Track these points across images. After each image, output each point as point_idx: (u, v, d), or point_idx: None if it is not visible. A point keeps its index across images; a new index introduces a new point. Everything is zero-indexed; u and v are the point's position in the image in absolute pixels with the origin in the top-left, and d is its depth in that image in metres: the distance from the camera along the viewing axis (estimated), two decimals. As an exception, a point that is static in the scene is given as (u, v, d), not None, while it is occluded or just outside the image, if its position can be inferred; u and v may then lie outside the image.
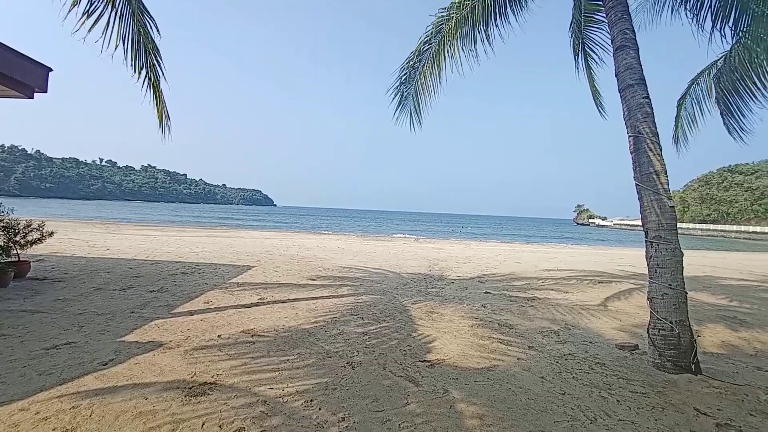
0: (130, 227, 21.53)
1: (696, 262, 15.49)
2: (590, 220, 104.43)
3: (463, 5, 5.38)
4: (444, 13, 5.55)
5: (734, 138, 6.91)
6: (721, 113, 7.06)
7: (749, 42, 5.71)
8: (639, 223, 4.24)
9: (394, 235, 27.99)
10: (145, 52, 5.05)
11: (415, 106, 5.59)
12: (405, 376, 3.20)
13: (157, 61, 5.22)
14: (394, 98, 5.67)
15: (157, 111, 5.51)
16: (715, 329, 5.10)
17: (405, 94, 5.65)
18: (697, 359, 3.51)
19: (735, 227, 65.37)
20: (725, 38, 5.40)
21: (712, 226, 69.47)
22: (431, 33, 5.59)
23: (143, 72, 4.95)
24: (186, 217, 52.11)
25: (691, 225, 72.46)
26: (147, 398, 2.66)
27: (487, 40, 5.39)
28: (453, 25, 5.40)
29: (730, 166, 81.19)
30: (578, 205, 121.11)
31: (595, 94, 7.15)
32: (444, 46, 5.38)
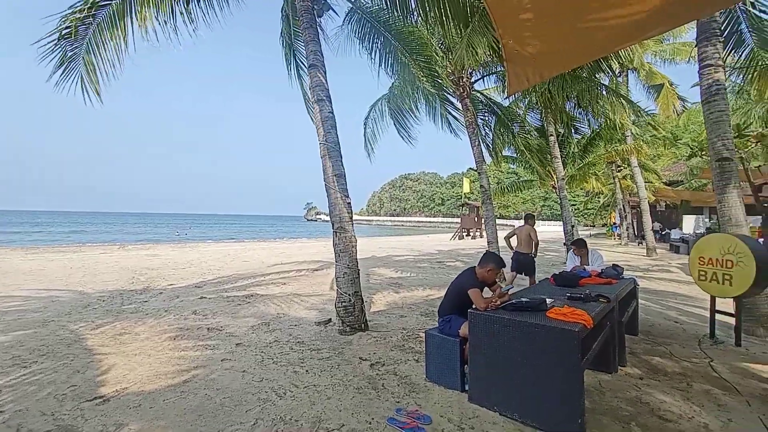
0: None
1: (384, 245, 20.60)
2: (318, 216, 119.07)
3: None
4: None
5: (406, 142, 9.63)
6: (395, 124, 9.64)
7: (401, 79, 8.07)
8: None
9: (87, 244, 21.40)
10: None
11: (88, 72, 4.35)
12: (58, 428, 2.41)
13: None
14: (50, 54, 4.18)
15: None
16: (385, 293, 6.86)
17: (70, 53, 4.29)
18: (365, 319, 4.58)
19: (407, 218, 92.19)
20: (389, 73, 7.35)
21: (396, 218, 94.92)
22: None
23: None
24: None
25: (384, 218, 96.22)
26: None
27: (189, 19, 4.92)
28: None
29: (404, 174, 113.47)
30: (308, 203, 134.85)
31: (308, 102, 7.96)
32: (131, 8, 4.48)
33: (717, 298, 4.26)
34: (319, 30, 5.38)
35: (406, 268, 10.63)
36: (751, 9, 6.08)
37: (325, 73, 5.05)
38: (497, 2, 2.64)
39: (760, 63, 6.37)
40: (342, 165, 4.82)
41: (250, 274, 9.08)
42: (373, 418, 2.56)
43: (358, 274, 4.65)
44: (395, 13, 6.05)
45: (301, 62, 7.48)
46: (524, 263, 6.53)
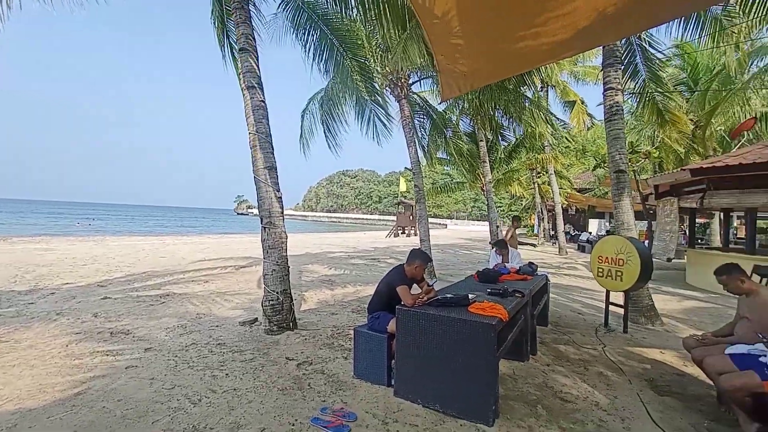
0: None
1: (320, 242, 20.23)
2: (249, 210, 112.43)
3: None
4: None
5: (332, 151, 9.43)
6: (324, 133, 9.42)
7: (336, 78, 7.87)
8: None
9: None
10: None
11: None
12: None
13: None
14: None
15: None
16: (317, 291, 6.72)
17: None
18: (294, 318, 4.43)
19: (344, 215, 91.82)
20: (322, 71, 7.13)
21: (333, 215, 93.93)
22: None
23: None
24: None
25: (320, 213, 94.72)
26: None
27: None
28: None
29: (343, 170, 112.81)
30: (238, 196, 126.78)
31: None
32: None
33: (611, 292, 4.88)
34: (252, 12, 5.07)
35: (340, 265, 10.55)
36: (644, 45, 7.07)
37: (258, 58, 4.77)
38: (430, 25, 2.74)
39: (648, 91, 7.43)
40: (273, 157, 4.60)
41: (168, 271, 8.29)
42: (296, 420, 2.48)
43: (288, 271, 4.48)
44: (334, 6, 5.93)
45: (235, 44, 6.99)
46: None
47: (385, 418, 2.52)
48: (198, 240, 19.44)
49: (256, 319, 4.62)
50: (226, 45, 7.01)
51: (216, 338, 4.01)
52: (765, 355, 2.34)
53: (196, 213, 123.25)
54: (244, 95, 4.59)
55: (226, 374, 3.14)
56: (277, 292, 4.28)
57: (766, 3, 4.90)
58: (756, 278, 5.23)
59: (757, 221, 11.41)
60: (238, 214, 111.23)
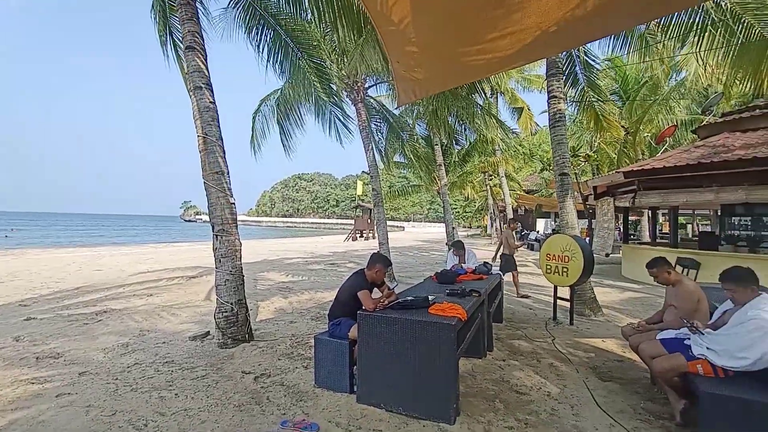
0: None
1: (276, 248, 19.62)
2: (197, 217, 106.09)
3: None
4: None
5: (286, 153, 9.25)
6: (279, 134, 9.21)
7: (293, 80, 7.71)
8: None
9: None
10: None
11: None
12: None
13: None
14: None
15: None
16: (274, 299, 6.48)
17: None
18: (250, 329, 4.24)
19: (301, 219, 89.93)
20: (277, 72, 6.92)
21: (288, 219, 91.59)
22: None
23: None
24: None
25: (276, 219, 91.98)
26: None
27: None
28: None
29: (298, 174, 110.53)
30: (185, 202, 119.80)
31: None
32: None
33: (558, 287, 5.20)
34: (199, 7, 4.82)
35: (297, 271, 10.28)
36: (582, 55, 7.67)
37: (206, 57, 4.53)
38: (386, 33, 2.78)
39: (587, 98, 8.06)
40: (224, 161, 4.37)
41: (104, 285, 7.58)
42: (255, 437, 2.36)
43: (243, 280, 4.28)
44: (287, 7, 5.80)
45: (179, 41, 6.59)
46: (503, 263, 6.94)
47: (348, 426, 2.48)
48: (139, 250, 18.02)
49: (208, 333, 4.35)
50: (169, 42, 6.59)
51: (163, 356, 3.72)
52: (689, 338, 2.61)
53: (137, 221, 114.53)
54: (191, 97, 4.34)
55: (176, 394, 2.92)
56: (232, 303, 4.07)
57: (679, 26, 5.58)
58: (679, 269, 5.86)
59: (679, 218, 12.77)
60: (185, 221, 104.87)
